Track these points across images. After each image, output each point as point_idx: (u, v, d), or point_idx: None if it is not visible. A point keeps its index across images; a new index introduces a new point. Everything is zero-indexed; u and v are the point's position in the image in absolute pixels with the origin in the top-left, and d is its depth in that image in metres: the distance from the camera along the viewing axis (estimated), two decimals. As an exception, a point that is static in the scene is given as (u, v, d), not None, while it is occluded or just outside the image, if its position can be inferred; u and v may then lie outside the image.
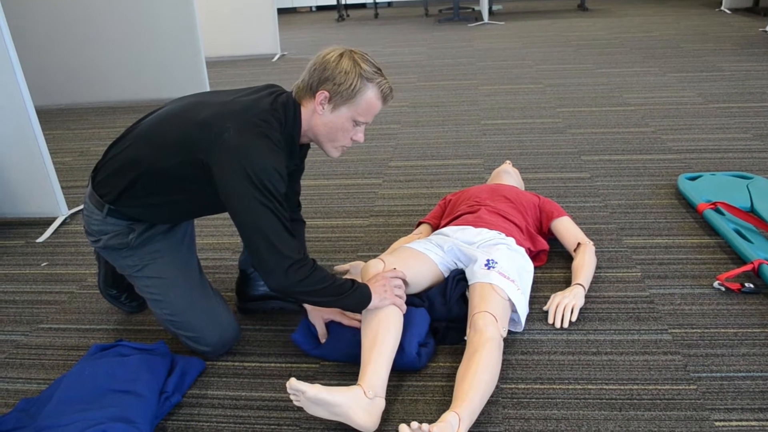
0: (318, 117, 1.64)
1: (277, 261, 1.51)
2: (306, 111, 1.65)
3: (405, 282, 1.81)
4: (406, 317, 1.74)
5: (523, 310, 1.79)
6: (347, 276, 2.11)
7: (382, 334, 1.62)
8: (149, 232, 1.78)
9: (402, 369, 1.69)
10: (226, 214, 2.71)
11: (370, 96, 1.62)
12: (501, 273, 1.77)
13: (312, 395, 1.45)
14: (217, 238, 2.54)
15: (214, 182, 1.55)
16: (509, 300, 1.74)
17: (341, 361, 1.77)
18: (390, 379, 1.66)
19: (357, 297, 1.64)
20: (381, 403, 1.52)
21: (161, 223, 1.80)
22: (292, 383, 1.46)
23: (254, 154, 1.50)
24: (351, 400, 1.47)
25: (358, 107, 1.62)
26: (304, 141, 1.73)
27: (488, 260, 1.82)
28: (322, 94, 1.60)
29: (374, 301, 1.66)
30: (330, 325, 1.81)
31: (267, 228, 1.51)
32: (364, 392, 1.50)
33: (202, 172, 1.56)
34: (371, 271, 1.78)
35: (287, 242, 1.52)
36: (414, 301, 1.87)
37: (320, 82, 1.60)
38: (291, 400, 1.59)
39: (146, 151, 1.63)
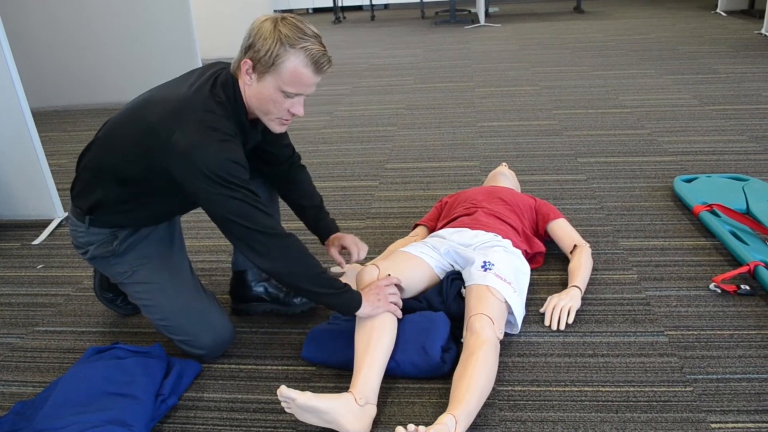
0: (248, 89, 1.56)
1: (260, 241, 1.52)
2: (241, 83, 1.58)
3: (400, 287, 1.81)
4: (428, 321, 1.74)
5: (519, 312, 1.79)
6: (343, 279, 2.11)
7: (375, 341, 1.62)
8: (133, 237, 1.77)
9: (427, 375, 1.68)
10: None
11: (293, 64, 1.48)
12: (497, 275, 1.77)
13: (302, 402, 1.45)
14: (213, 240, 2.54)
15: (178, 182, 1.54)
16: (506, 302, 1.74)
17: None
18: (386, 382, 1.66)
19: (347, 299, 1.63)
20: (372, 410, 1.52)
21: (142, 225, 1.78)
22: (283, 391, 1.46)
23: (205, 153, 1.47)
24: (341, 406, 1.47)
25: (282, 76, 1.50)
26: (253, 117, 1.65)
27: (485, 262, 1.82)
28: (245, 64, 1.52)
29: (365, 308, 1.65)
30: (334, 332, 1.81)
31: (240, 216, 1.50)
32: (355, 399, 1.49)
33: (165, 174, 1.55)
34: (366, 277, 1.78)
35: (265, 221, 1.52)
36: (412, 303, 1.87)
37: (245, 51, 1.52)
38: (287, 403, 1.59)
39: (108, 160, 1.64)
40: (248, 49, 1.51)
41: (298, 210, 1.98)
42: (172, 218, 1.88)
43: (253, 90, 1.56)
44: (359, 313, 1.65)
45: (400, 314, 1.72)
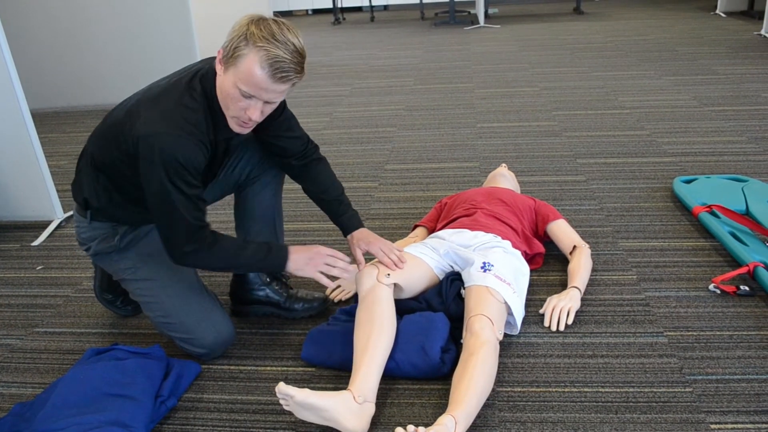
0: (218, 78, 1.56)
1: (179, 236, 1.57)
2: (217, 75, 1.57)
3: (399, 288, 1.81)
4: (427, 322, 1.74)
5: (519, 313, 1.79)
6: (342, 280, 2.11)
7: (374, 339, 1.62)
8: (135, 232, 1.79)
9: (426, 376, 1.67)
10: (219, 216, 2.71)
11: (249, 61, 1.45)
12: (497, 276, 1.77)
13: (300, 399, 1.45)
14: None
15: None
16: (505, 303, 1.74)
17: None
18: (385, 382, 1.66)
19: (271, 262, 1.66)
20: (371, 408, 1.52)
21: (139, 222, 1.80)
22: (281, 388, 1.46)
23: (161, 140, 1.50)
24: (340, 404, 1.47)
25: (239, 72, 1.47)
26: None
27: (484, 263, 1.82)
28: (219, 53, 1.52)
29: (290, 265, 1.67)
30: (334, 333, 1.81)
31: (171, 209, 1.54)
32: (354, 397, 1.49)
33: (132, 161, 1.59)
34: (365, 276, 1.78)
35: (190, 224, 1.56)
36: (411, 303, 1.87)
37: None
38: (287, 404, 1.58)
39: (94, 147, 1.70)
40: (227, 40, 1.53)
41: (319, 203, 1.96)
42: None
43: (219, 80, 1.56)
44: (287, 268, 1.67)
45: (326, 282, 1.71)
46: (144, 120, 1.53)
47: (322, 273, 1.69)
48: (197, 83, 1.59)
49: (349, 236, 1.91)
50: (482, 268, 1.80)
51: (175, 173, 1.51)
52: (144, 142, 1.51)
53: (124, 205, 1.74)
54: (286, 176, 2.20)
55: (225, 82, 1.53)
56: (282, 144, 1.85)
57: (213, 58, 1.65)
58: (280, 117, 1.81)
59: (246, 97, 1.50)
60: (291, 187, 2.99)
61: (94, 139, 1.71)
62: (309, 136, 1.92)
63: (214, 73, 1.59)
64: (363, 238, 1.88)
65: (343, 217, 1.92)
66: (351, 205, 1.95)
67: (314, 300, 1.99)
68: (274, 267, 1.67)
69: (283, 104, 1.81)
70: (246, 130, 1.60)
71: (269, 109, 1.57)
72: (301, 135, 1.88)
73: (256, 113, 1.53)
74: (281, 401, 1.49)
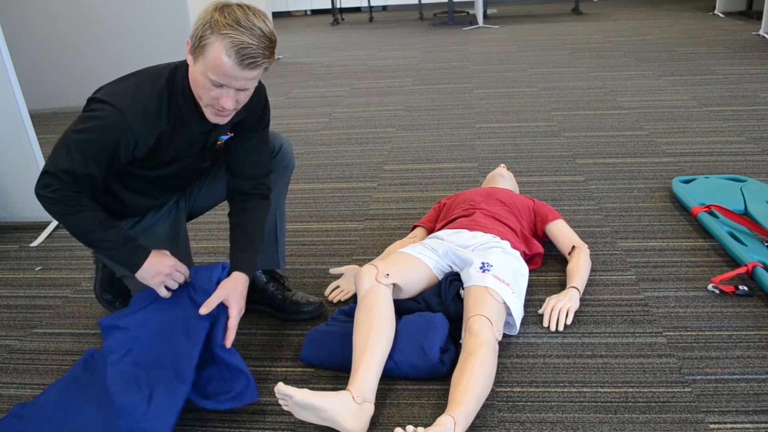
0: (190, 69, 1.53)
1: (42, 177, 1.52)
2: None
3: (398, 288, 1.81)
4: (426, 322, 1.74)
5: (518, 314, 1.79)
6: (342, 280, 2.11)
7: (373, 339, 1.62)
8: (134, 229, 1.79)
9: (425, 376, 1.67)
10: (218, 216, 2.71)
11: (216, 50, 1.41)
12: (496, 276, 1.77)
13: (299, 400, 1.45)
14: (211, 242, 2.54)
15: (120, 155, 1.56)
16: (504, 303, 1.74)
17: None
18: (384, 383, 1.66)
19: (121, 256, 1.61)
20: (370, 409, 1.52)
21: (128, 213, 1.79)
22: (280, 388, 1.46)
23: (101, 92, 1.54)
24: (339, 404, 1.47)
25: (207, 61, 1.44)
26: None
27: (483, 263, 1.82)
28: (188, 44, 1.50)
29: (141, 272, 1.61)
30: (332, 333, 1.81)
31: (61, 145, 1.52)
32: (353, 397, 1.49)
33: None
34: (364, 278, 1.77)
35: (61, 164, 1.51)
36: (410, 304, 1.87)
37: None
38: (286, 405, 1.58)
39: None
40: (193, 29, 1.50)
41: (231, 228, 1.81)
42: (151, 208, 1.84)
43: (191, 72, 1.54)
44: (137, 275, 1.62)
45: (164, 294, 1.65)
46: (100, 93, 1.55)
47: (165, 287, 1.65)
48: (165, 73, 1.57)
49: (231, 275, 1.70)
50: (481, 268, 1.80)
51: (95, 133, 1.51)
52: (88, 102, 1.54)
53: (114, 201, 1.73)
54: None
55: (195, 73, 1.50)
56: (236, 160, 1.78)
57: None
58: (257, 129, 1.76)
59: (216, 86, 1.47)
60: (289, 188, 2.99)
61: None
62: (268, 180, 1.84)
63: (186, 67, 1.57)
64: (229, 288, 1.66)
65: (235, 253, 1.74)
66: (257, 251, 1.78)
67: (309, 304, 1.99)
68: (127, 261, 1.61)
69: (266, 122, 1.77)
70: (223, 120, 1.56)
71: (244, 97, 1.53)
72: (267, 168, 1.83)
73: (229, 102, 1.49)
74: (280, 401, 1.49)
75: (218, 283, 1.66)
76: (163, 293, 1.65)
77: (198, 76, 1.49)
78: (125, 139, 1.54)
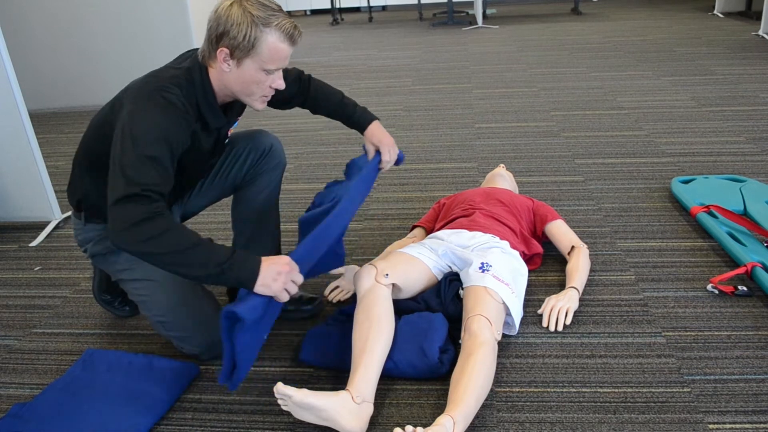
0: (227, 75, 1.57)
1: (122, 205, 1.41)
2: (214, 72, 1.58)
3: (398, 287, 1.81)
4: (426, 322, 1.74)
5: (517, 314, 1.79)
6: (341, 280, 2.11)
7: (373, 339, 1.62)
8: None
9: (425, 376, 1.67)
10: (218, 216, 2.71)
11: (271, 42, 1.51)
12: (495, 276, 1.77)
13: (299, 400, 1.45)
14: (211, 241, 2.54)
15: None
16: (503, 303, 1.74)
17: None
18: (384, 383, 1.66)
19: (231, 278, 1.44)
20: (369, 409, 1.52)
21: None
22: (279, 388, 1.46)
23: (140, 119, 1.48)
24: (338, 404, 1.47)
25: (263, 56, 1.52)
26: (226, 100, 1.67)
27: (482, 263, 1.82)
28: (222, 52, 1.52)
29: (262, 279, 1.45)
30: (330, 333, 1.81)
31: (118, 173, 1.43)
32: (352, 397, 1.49)
33: None
34: (364, 276, 1.78)
35: (141, 180, 1.42)
36: (410, 304, 1.87)
37: (217, 40, 1.52)
38: (285, 405, 1.58)
39: (82, 153, 1.71)
40: (221, 37, 1.51)
41: (327, 116, 2.01)
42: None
43: (232, 76, 1.56)
44: (255, 290, 1.47)
45: (284, 298, 1.50)
46: (128, 108, 1.51)
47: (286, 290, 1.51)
48: (183, 77, 1.58)
49: (365, 132, 1.97)
50: (480, 268, 1.80)
51: (146, 147, 1.45)
52: (122, 122, 1.49)
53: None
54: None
55: (245, 73, 1.55)
56: (288, 97, 1.93)
57: (192, 51, 1.67)
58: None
59: (270, 73, 1.56)
60: (287, 188, 2.99)
61: (84, 141, 1.72)
62: (296, 70, 1.95)
63: (200, 68, 1.59)
64: (374, 133, 1.96)
65: (352, 118, 1.98)
66: (356, 103, 1.99)
67: (308, 303, 1.99)
68: (241, 274, 1.45)
69: None
70: (266, 105, 1.67)
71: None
72: (293, 78, 1.93)
73: (281, 81, 1.60)
74: (279, 401, 1.49)
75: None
76: (285, 298, 1.49)
77: (251, 74, 1.55)
78: (176, 142, 1.54)
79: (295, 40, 1.55)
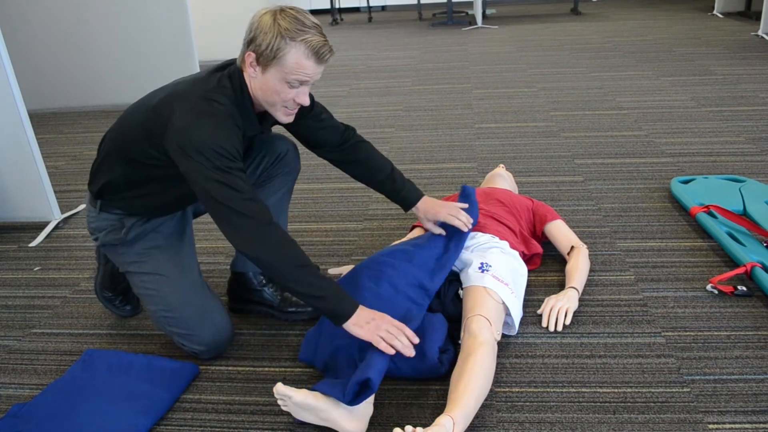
0: (254, 81, 1.60)
1: (240, 224, 1.50)
2: (246, 76, 1.61)
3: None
4: (425, 322, 1.73)
5: (516, 314, 1.79)
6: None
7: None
8: (143, 227, 1.81)
9: (424, 376, 1.67)
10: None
11: (294, 55, 1.52)
12: (495, 276, 1.78)
13: (299, 400, 1.45)
14: (210, 242, 2.54)
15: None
16: (503, 303, 1.74)
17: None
18: (383, 383, 1.66)
19: (330, 307, 1.53)
20: (369, 409, 1.52)
21: (150, 214, 1.81)
22: (279, 388, 1.46)
23: (199, 133, 1.51)
24: (338, 405, 1.47)
25: (285, 68, 1.54)
26: (260, 109, 1.68)
27: (482, 264, 1.82)
28: (249, 56, 1.56)
29: (352, 326, 1.54)
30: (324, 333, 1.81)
31: (224, 198, 1.50)
32: None
33: (165, 156, 1.61)
34: None
35: (248, 206, 1.51)
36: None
37: (248, 45, 1.55)
38: (285, 405, 1.58)
39: (118, 143, 1.71)
40: (250, 42, 1.55)
41: (370, 185, 1.97)
42: (178, 209, 1.88)
43: (258, 82, 1.59)
44: (345, 325, 1.55)
45: (384, 347, 1.53)
46: (178, 115, 1.54)
47: (381, 338, 1.54)
48: (227, 82, 1.61)
49: (414, 210, 1.92)
50: (480, 268, 1.80)
51: (216, 160, 1.50)
52: (181, 137, 1.52)
53: (145, 197, 1.75)
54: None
55: (268, 81, 1.56)
56: (319, 137, 1.88)
57: (232, 60, 1.68)
58: (312, 112, 1.84)
59: (294, 87, 1.57)
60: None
61: (121, 134, 1.71)
62: (344, 124, 1.94)
63: (239, 73, 1.61)
64: (429, 209, 1.91)
65: (401, 194, 1.94)
66: (404, 178, 1.95)
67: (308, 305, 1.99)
68: (334, 309, 1.54)
69: (312, 100, 1.82)
70: (291, 118, 1.67)
71: (309, 90, 1.64)
72: (336, 125, 1.91)
73: (305, 98, 1.61)
74: (279, 402, 1.49)
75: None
76: (383, 346, 1.52)
77: (273, 83, 1.56)
78: (237, 140, 1.58)
79: (323, 58, 1.56)
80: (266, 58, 1.54)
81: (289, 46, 1.51)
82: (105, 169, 1.75)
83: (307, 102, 1.63)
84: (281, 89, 1.57)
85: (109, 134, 1.76)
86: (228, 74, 1.62)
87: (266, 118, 1.75)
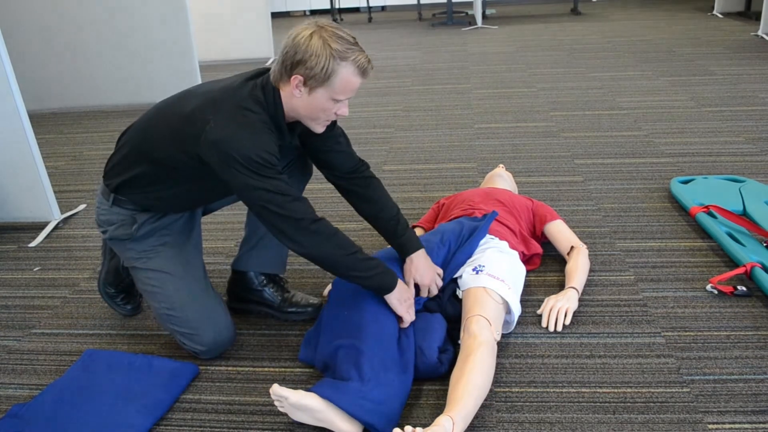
0: (296, 100, 1.61)
1: (290, 226, 1.58)
2: (285, 94, 1.62)
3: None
4: (424, 323, 1.74)
5: (515, 308, 1.79)
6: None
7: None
8: (153, 224, 1.81)
9: (424, 376, 1.67)
10: (218, 217, 2.71)
11: (345, 74, 1.56)
12: (489, 274, 1.78)
13: (295, 401, 1.45)
14: (210, 242, 2.54)
15: (209, 170, 1.61)
16: (502, 300, 1.74)
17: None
18: (384, 383, 1.66)
19: (377, 282, 1.68)
20: None
21: (164, 211, 1.82)
22: (275, 389, 1.46)
23: (236, 145, 1.53)
24: (334, 405, 1.47)
25: (335, 87, 1.57)
26: (290, 120, 1.71)
27: (475, 267, 1.82)
28: (296, 79, 1.56)
29: (392, 298, 1.70)
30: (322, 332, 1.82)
31: (271, 203, 1.55)
32: None
33: (196, 162, 1.62)
34: None
35: (294, 207, 1.57)
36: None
37: (293, 67, 1.56)
38: (285, 405, 1.58)
39: (144, 143, 1.71)
40: (297, 64, 1.55)
41: (372, 222, 1.92)
42: (196, 207, 1.90)
43: (302, 101, 1.61)
44: (388, 297, 1.70)
45: (408, 321, 1.74)
46: (214, 125, 1.55)
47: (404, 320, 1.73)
48: (260, 93, 1.62)
49: (407, 260, 1.85)
50: (474, 271, 1.81)
51: (259, 169, 1.54)
52: (218, 148, 1.53)
53: (163, 195, 1.76)
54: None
55: (316, 100, 1.59)
56: (331, 159, 1.86)
57: (263, 69, 1.69)
58: (332, 131, 1.83)
59: (338, 101, 1.61)
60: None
61: (146, 135, 1.71)
62: (358, 159, 1.91)
63: (273, 88, 1.62)
64: (419, 268, 1.83)
65: (402, 238, 1.87)
66: (407, 225, 1.90)
67: (308, 305, 1.99)
68: (382, 284, 1.69)
69: (333, 122, 1.82)
70: (324, 128, 1.70)
71: None
72: (352, 153, 1.89)
73: (346, 109, 1.65)
74: (276, 403, 1.49)
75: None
76: (408, 321, 1.73)
77: (321, 102, 1.59)
78: (275, 146, 1.61)
79: (367, 74, 1.61)
80: (317, 80, 1.55)
81: (340, 66, 1.55)
82: (125, 165, 1.75)
83: (347, 113, 1.67)
84: (328, 107, 1.60)
85: (132, 133, 1.75)
86: (261, 85, 1.63)
87: (293, 130, 1.77)
